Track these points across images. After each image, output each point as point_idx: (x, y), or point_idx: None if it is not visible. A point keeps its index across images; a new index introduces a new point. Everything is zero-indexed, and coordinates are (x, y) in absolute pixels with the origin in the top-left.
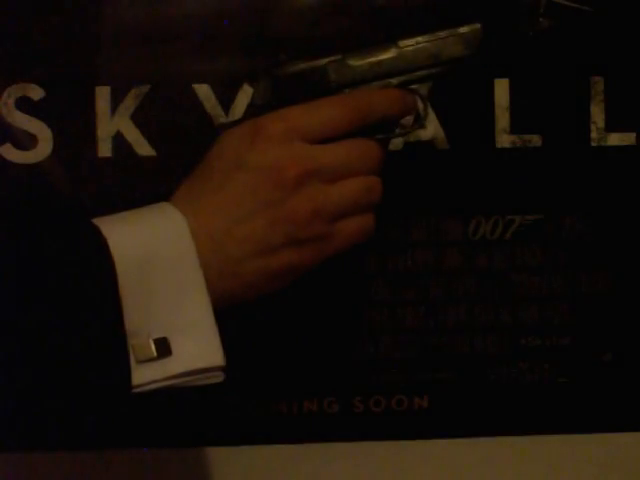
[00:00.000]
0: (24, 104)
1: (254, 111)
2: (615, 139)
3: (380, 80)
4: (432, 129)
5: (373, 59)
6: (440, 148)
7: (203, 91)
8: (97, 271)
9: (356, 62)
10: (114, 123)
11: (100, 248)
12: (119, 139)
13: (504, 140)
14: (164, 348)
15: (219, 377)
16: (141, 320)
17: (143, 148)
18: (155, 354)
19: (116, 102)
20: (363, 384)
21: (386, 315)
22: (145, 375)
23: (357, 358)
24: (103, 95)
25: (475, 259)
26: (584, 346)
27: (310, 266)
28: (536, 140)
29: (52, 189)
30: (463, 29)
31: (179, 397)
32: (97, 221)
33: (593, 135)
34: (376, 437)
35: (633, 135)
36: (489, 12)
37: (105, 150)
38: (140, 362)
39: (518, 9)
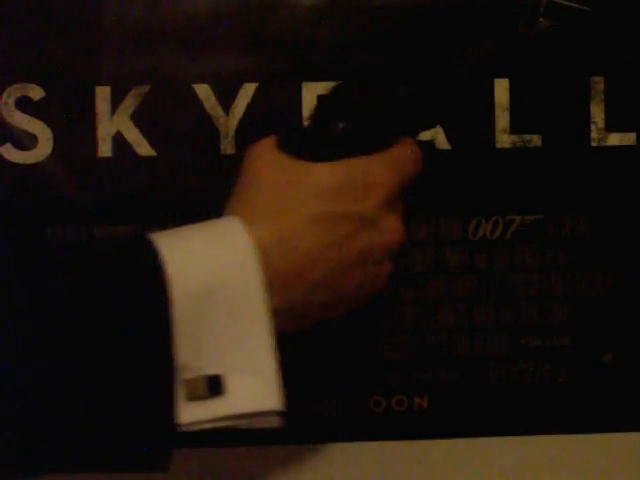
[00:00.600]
0: (24, 104)
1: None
2: (615, 139)
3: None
4: (432, 129)
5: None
6: (440, 148)
7: (203, 91)
8: (151, 297)
9: None
10: (114, 123)
11: (157, 271)
12: (119, 139)
13: (504, 140)
14: (217, 386)
15: (274, 422)
16: (194, 355)
17: (143, 148)
18: (207, 392)
19: (116, 102)
20: (363, 384)
21: (386, 315)
22: (193, 414)
23: (357, 358)
24: (103, 95)
25: (475, 259)
26: (584, 346)
27: (374, 289)
28: (536, 140)
29: (52, 189)
30: None
31: None
32: (157, 239)
33: (593, 135)
34: (376, 437)
35: (633, 135)
36: (489, 12)
37: (105, 150)
38: (189, 400)
39: (518, 9)
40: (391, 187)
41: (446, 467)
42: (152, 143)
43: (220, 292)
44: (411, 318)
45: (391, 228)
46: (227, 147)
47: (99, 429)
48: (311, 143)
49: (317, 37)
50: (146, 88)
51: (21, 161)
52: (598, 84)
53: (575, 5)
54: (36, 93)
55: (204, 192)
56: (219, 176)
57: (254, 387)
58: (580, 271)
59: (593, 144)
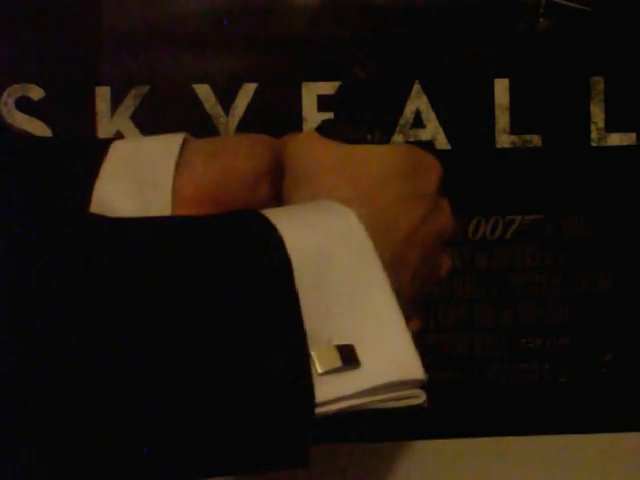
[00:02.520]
0: (24, 104)
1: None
2: (615, 139)
3: None
4: (432, 129)
5: None
6: (440, 148)
7: (203, 91)
8: (272, 267)
9: None
10: (114, 123)
11: (275, 241)
12: (119, 139)
13: (504, 140)
14: (351, 357)
15: (419, 397)
16: (321, 324)
17: None
18: (341, 363)
19: (116, 102)
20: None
21: None
22: (330, 390)
23: None
24: (103, 95)
25: (475, 259)
26: (584, 346)
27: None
28: (536, 140)
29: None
30: None
31: None
32: (271, 213)
33: (593, 135)
34: (376, 437)
35: (633, 135)
36: (489, 12)
37: None
38: (323, 374)
39: (518, 9)
40: (440, 169)
41: (446, 467)
42: None
43: (338, 259)
44: None
45: (448, 212)
46: None
47: (230, 422)
48: (354, 129)
49: (317, 37)
50: (146, 88)
51: None
52: (598, 84)
53: (575, 5)
54: (36, 93)
55: None
56: None
57: (390, 356)
58: (580, 271)
59: (593, 144)
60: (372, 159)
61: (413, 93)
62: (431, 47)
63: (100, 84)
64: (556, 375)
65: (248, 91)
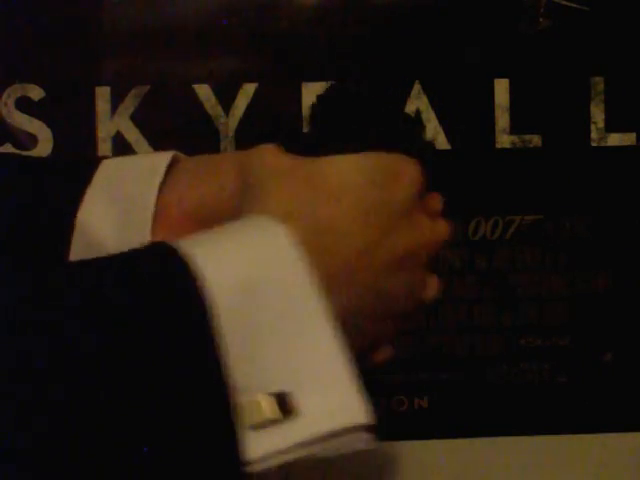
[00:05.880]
0: (24, 104)
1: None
2: (615, 139)
3: None
4: (432, 129)
5: None
6: (440, 148)
7: (203, 91)
8: (188, 312)
9: None
10: (114, 123)
11: (192, 281)
12: (119, 139)
13: (504, 140)
14: (287, 406)
15: (365, 442)
16: (251, 371)
17: (143, 148)
18: (275, 414)
19: (116, 102)
20: (363, 384)
21: None
22: (264, 444)
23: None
24: (103, 95)
25: (475, 259)
26: (584, 346)
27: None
28: (536, 140)
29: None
30: None
31: None
32: (186, 245)
33: (593, 135)
34: (376, 437)
35: (633, 135)
36: (490, 12)
37: (105, 150)
38: (255, 428)
39: (518, 9)
40: (415, 176)
41: (446, 467)
42: (152, 143)
43: (267, 291)
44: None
45: (425, 226)
46: (227, 147)
47: None
48: (317, 144)
49: (317, 37)
50: (146, 88)
51: None
52: (598, 84)
53: (575, 5)
54: (36, 93)
55: None
56: None
57: (332, 401)
58: (580, 271)
59: (593, 144)
60: (331, 170)
61: (413, 93)
62: (431, 47)
63: (100, 84)
64: (556, 375)
65: (248, 91)
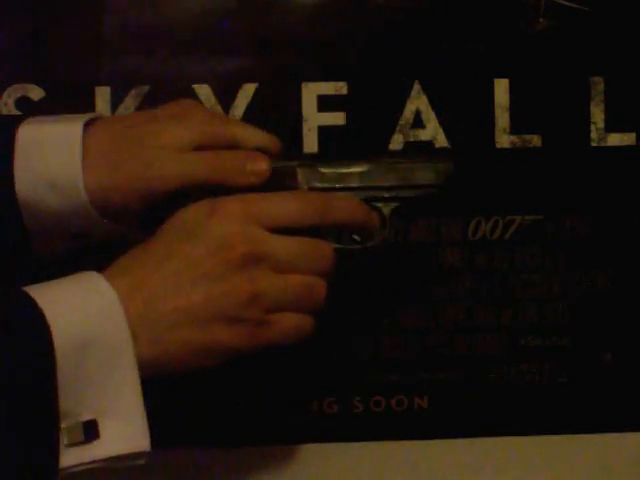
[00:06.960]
0: (24, 104)
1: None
2: (615, 139)
3: (347, 191)
4: (432, 129)
5: (344, 170)
6: (440, 148)
7: (203, 91)
8: (33, 350)
9: (326, 169)
10: None
11: (38, 324)
12: None
13: (504, 140)
14: (92, 431)
15: (142, 461)
16: (75, 402)
17: None
18: (83, 438)
19: (116, 102)
20: (363, 384)
21: (386, 315)
22: (72, 458)
23: (357, 358)
24: (103, 95)
25: (475, 259)
26: (584, 346)
27: (240, 350)
28: (536, 140)
29: None
30: (438, 161)
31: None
32: (34, 293)
33: (593, 135)
34: (376, 437)
35: (633, 135)
36: (490, 12)
37: None
38: (69, 445)
39: (518, 9)
40: (232, 211)
41: (446, 467)
42: None
43: (93, 344)
44: (411, 318)
45: (242, 286)
46: None
47: None
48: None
49: (317, 37)
50: (146, 88)
51: None
52: (598, 84)
53: (574, 5)
54: (36, 93)
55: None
56: None
57: (124, 431)
58: (580, 271)
59: (593, 144)
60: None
61: (413, 93)
62: (431, 47)
63: (100, 84)
64: (556, 375)
65: (248, 91)
